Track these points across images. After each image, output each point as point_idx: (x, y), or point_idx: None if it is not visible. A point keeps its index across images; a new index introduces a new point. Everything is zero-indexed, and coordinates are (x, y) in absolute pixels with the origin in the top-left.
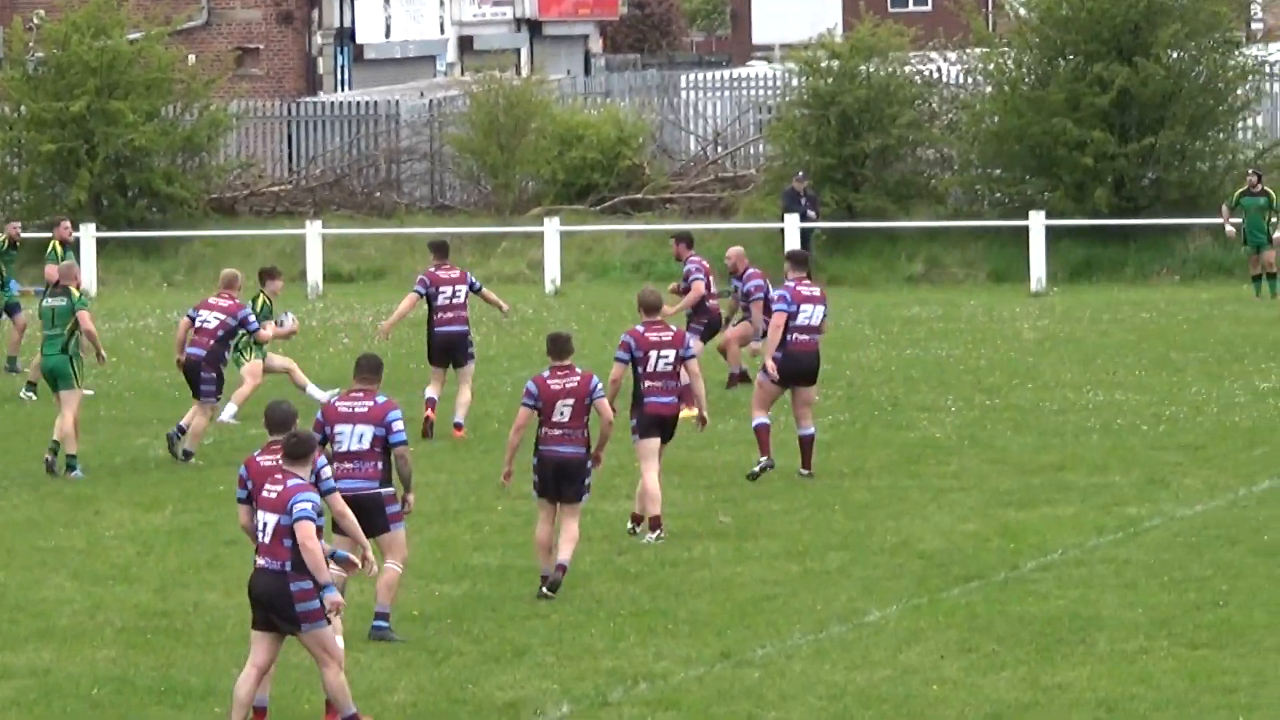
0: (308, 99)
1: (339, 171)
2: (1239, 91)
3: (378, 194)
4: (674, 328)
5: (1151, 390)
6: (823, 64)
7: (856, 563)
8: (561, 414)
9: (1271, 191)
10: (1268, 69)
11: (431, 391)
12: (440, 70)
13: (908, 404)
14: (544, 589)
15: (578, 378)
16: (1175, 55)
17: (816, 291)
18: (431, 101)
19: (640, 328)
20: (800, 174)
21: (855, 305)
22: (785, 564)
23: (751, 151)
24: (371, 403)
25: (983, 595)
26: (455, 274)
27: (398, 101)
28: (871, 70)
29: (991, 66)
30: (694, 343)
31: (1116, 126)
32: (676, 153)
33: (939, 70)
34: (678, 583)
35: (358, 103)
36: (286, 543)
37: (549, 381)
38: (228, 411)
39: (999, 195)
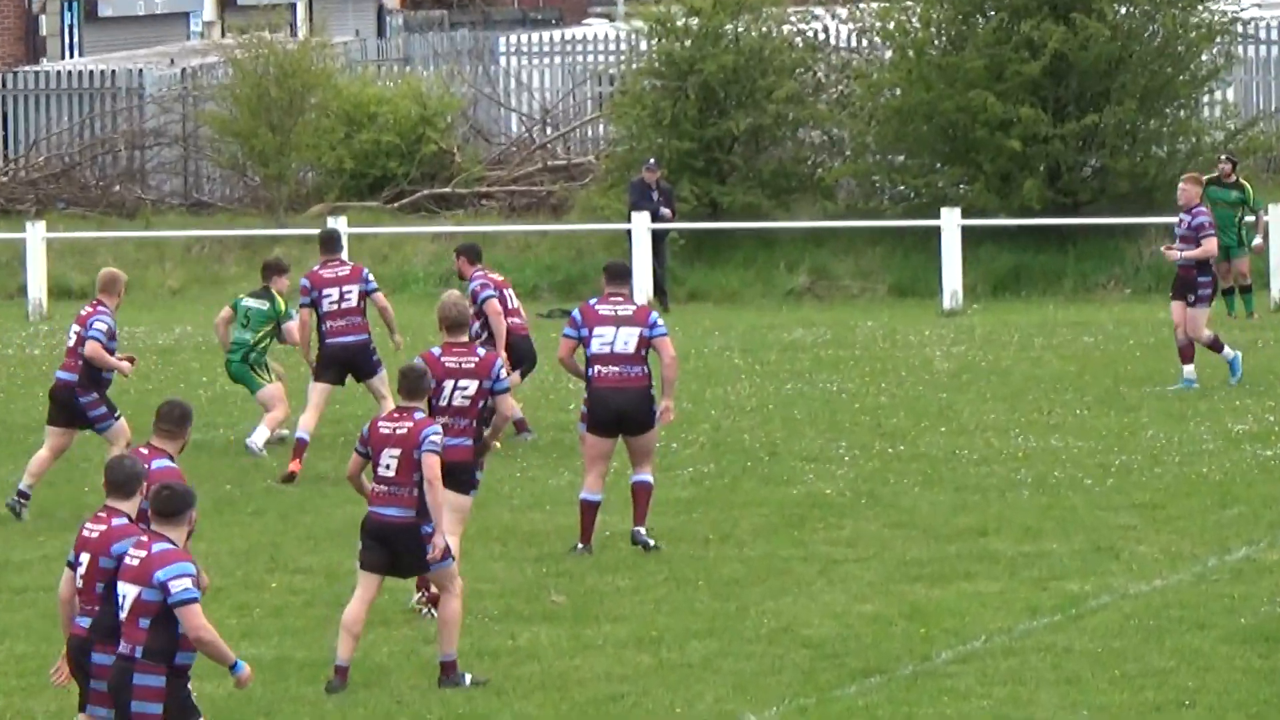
0: (27, 68)
1: (68, 160)
2: (1204, 57)
3: (117, 188)
4: (481, 352)
5: (1097, 434)
6: (679, 23)
7: (726, 653)
8: (387, 466)
9: (1247, 184)
10: (1240, 28)
11: (304, 428)
12: (194, 32)
13: (789, 452)
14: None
15: (410, 424)
16: (1124, 11)
17: (627, 311)
18: (184, 71)
19: (436, 350)
20: (651, 162)
21: (721, 327)
22: (635, 655)
23: (589, 134)
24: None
25: (886, 694)
26: (344, 272)
27: (141, 71)
28: (741, 31)
29: (892, 25)
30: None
31: (1050, 101)
32: (494, 135)
33: (826, 31)
34: (500, 679)
35: (91, 72)
36: None
37: (380, 425)
38: (260, 437)
39: (902, 188)
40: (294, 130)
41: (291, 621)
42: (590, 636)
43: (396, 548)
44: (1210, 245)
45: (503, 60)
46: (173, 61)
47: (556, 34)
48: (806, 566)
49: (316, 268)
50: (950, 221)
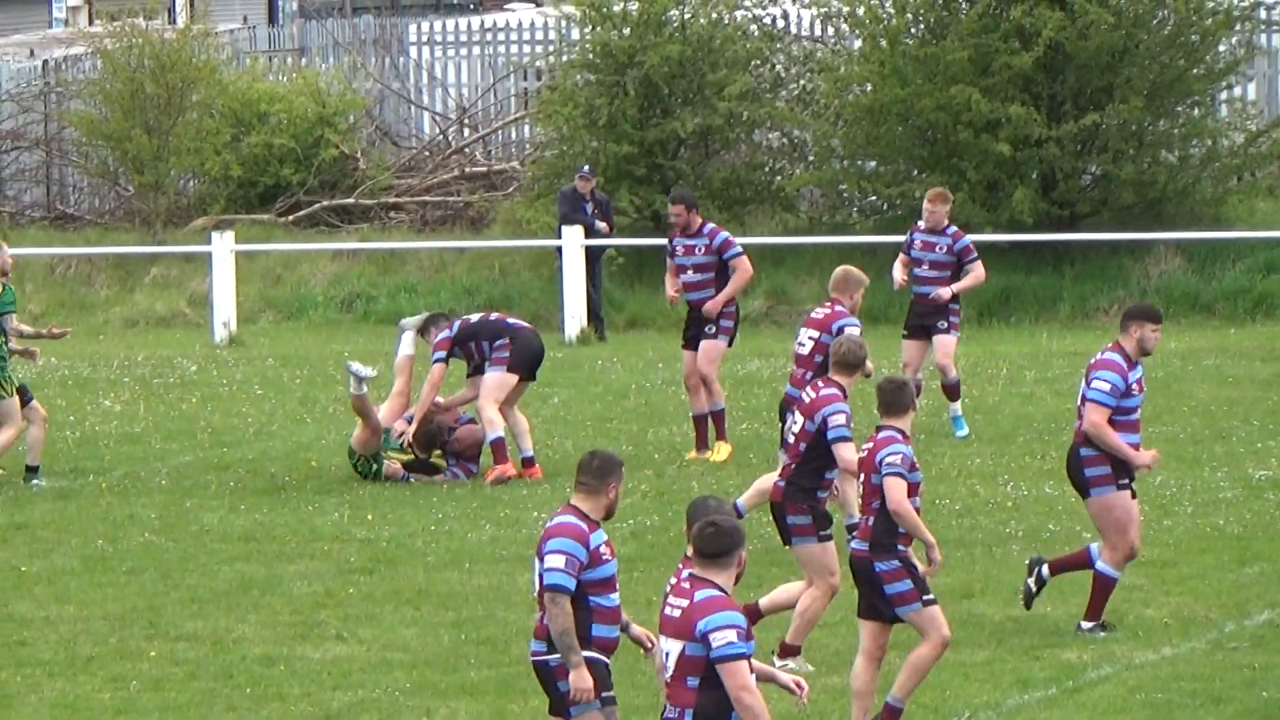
0: None
1: None
2: (1221, 48)
3: None
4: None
5: None
6: (616, 8)
7: None
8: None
9: None
10: (1262, 14)
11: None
12: (57, 17)
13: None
14: None
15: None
16: None
17: None
18: (46, 64)
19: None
20: (585, 169)
21: (666, 359)
22: None
23: (513, 136)
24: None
25: None
26: None
27: None
28: (688, 17)
29: (862, 11)
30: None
31: (1044, 99)
32: (404, 138)
33: (785, 17)
34: None
35: None
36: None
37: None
38: None
39: (874, 199)
40: (173, 132)
41: (174, 696)
42: (516, 713)
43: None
44: (980, 272)
45: (413, 51)
46: (32, 53)
47: (475, 21)
48: (765, 634)
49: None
50: None
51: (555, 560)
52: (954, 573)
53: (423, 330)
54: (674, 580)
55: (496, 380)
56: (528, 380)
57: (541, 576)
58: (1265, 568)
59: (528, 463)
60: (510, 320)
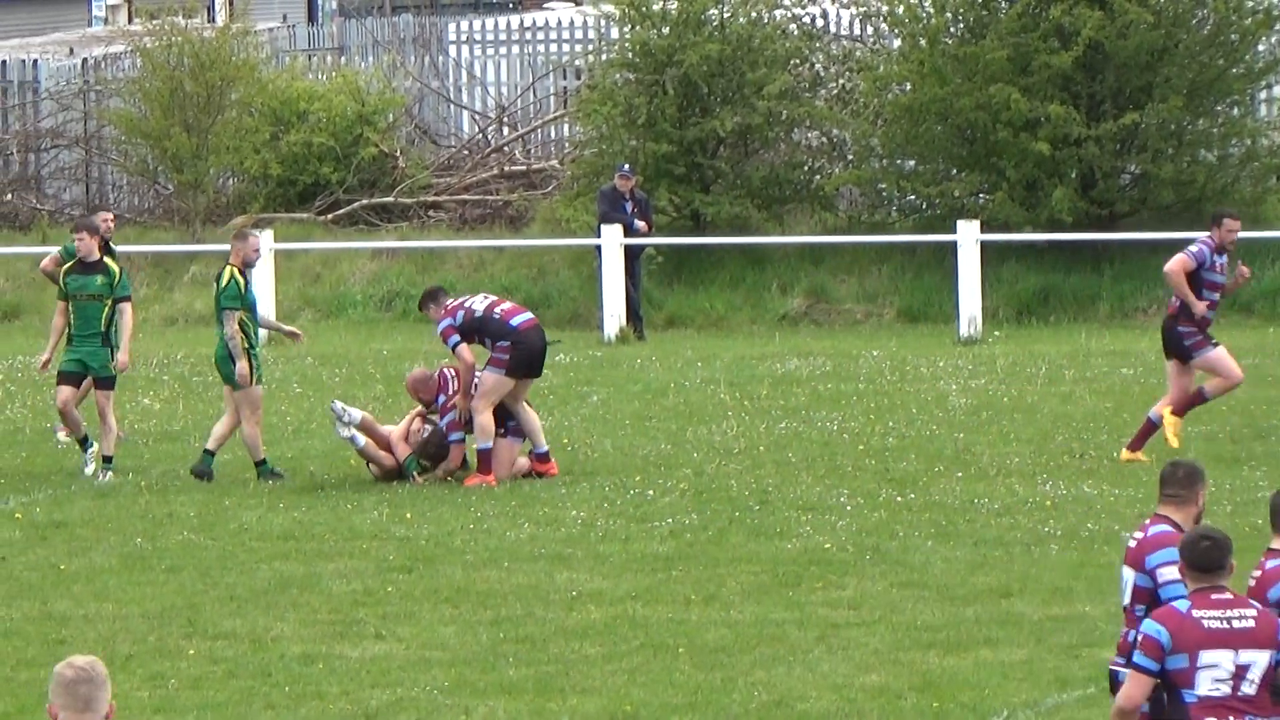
0: None
1: None
2: (1260, 48)
3: (8, 196)
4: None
5: (1135, 481)
6: (655, 6)
7: None
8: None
9: None
10: None
11: None
12: (96, 16)
13: (782, 501)
14: None
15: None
16: None
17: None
18: (85, 62)
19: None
20: (624, 168)
21: (705, 358)
22: None
23: (552, 135)
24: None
25: None
26: None
27: (35, 62)
28: (727, 16)
29: (901, 10)
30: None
31: (1084, 98)
32: (443, 136)
33: (825, 16)
34: None
35: None
36: None
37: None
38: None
39: (913, 198)
40: (212, 131)
41: (212, 694)
42: (555, 711)
43: None
44: None
45: (452, 50)
46: (72, 51)
47: (514, 20)
48: (802, 632)
49: None
50: (968, 236)
51: (1171, 572)
52: (992, 572)
53: (422, 304)
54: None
55: (493, 383)
56: (529, 378)
57: (1161, 588)
58: None
59: (542, 459)
60: (514, 321)
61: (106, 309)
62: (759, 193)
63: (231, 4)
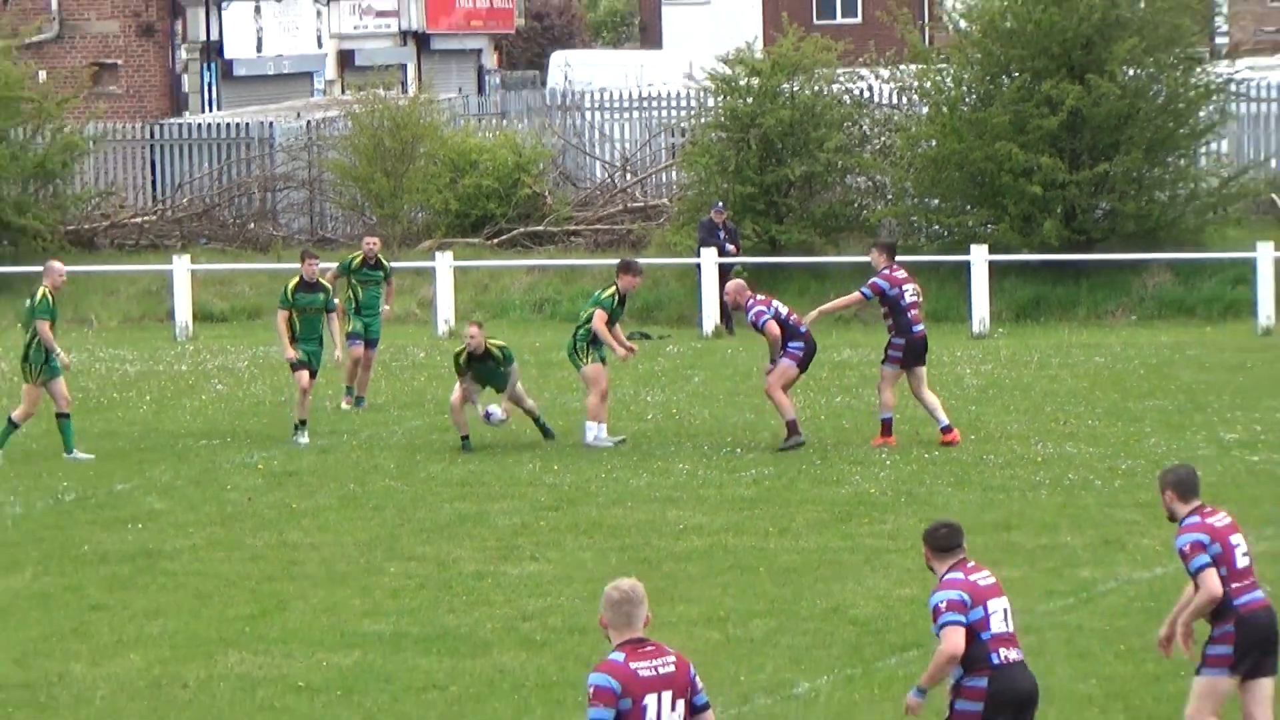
0: (172, 120)
1: (208, 201)
2: (1201, 114)
3: (251, 225)
4: None
5: (1106, 442)
6: (741, 82)
7: (784, 630)
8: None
9: None
10: (1233, 88)
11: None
12: (318, 89)
13: (838, 457)
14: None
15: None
16: (1132, 73)
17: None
18: (309, 123)
19: None
20: (718, 204)
21: None
22: (706, 631)
23: (664, 179)
24: None
25: (921, 665)
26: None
27: (271, 123)
28: (796, 89)
29: (928, 84)
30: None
31: (1067, 151)
32: (581, 180)
33: (870, 89)
34: (588, 651)
35: (227, 124)
36: None
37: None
38: (593, 434)
39: (937, 228)
40: (405, 175)
41: (407, 602)
42: (666, 615)
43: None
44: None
45: (588, 115)
46: (299, 115)
47: (635, 91)
48: (854, 556)
49: (887, 270)
50: (979, 257)
51: None
52: (996, 511)
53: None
54: None
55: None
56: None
57: None
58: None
59: (945, 430)
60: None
61: (324, 319)
62: (820, 223)
63: (420, 79)
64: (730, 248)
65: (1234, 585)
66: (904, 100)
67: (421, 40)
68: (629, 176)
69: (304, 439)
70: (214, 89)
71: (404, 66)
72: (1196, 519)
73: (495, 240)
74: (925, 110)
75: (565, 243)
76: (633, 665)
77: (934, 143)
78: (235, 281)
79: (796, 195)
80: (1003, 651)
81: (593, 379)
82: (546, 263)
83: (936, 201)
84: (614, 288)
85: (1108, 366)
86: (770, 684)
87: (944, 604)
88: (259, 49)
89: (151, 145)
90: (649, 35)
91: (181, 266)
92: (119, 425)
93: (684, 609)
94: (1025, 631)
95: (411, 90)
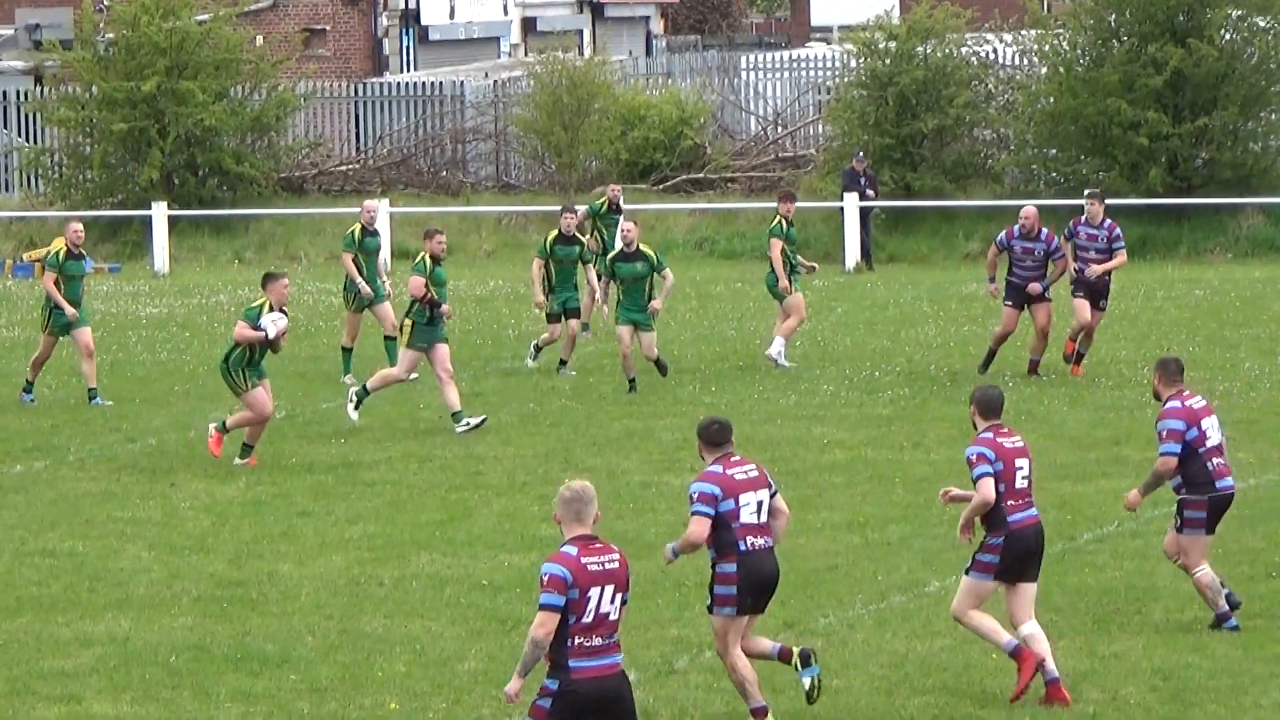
0: (374, 80)
1: (405, 151)
2: None
3: (444, 173)
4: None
5: (1205, 366)
6: (880, 45)
7: (917, 535)
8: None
9: None
10: None
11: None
12: (504, 51)
13: (966, 379)
14: None
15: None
16: (1228, 37)
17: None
18: (496, 82)
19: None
20: (859, 154)
21: (914, 283)
22: (847, 536)
23: (811, 132)
24: None
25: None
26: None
27: (462, 82)
28: (928, 52)
29: (1046, 48)
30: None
31: (1170, 107)
32: (737, 133)
33: (994, 52)
34: None
35: (423, 83)
36: None
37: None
38: (777, 349)
39: (1054, 175)
40: (581, 129)
41: None
42: (812, 521)
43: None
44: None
45: (743, 75)
46: (487, 75)
47: (786, 54)
48: None
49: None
50: None
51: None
52: (1107, 428)
53: None
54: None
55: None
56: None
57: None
58: None
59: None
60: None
61: (580, 269)
62: (950, 171)
63: (595, 43)
64: (870, 193)
65: (1009, 503)
66: (1024, 62)
67: (596, 9)
68: (780, 129)
69: (570, 371)
70: (411, 52)
71: (580, 32)
72: (989, 435)
73: (661, 186)
74: (1044, 71)
75: (723, 188)
76: (583, 560)
77: (1051, 100)
78: (429, 223)
79: (929, 146)
80: (750, 539)
81: (793, 307)
82: (706, 206)
83: (1054, 152)
84: (778, 216)
85: (1206, 299)
86: (905, 582)
87: (699, 494)
88: (452, 16)
89: (355, 102)
90: (798, 5)
91: (382, 209)
92: (324, 350)
93: (827, 515)
94: (1133, 537)
95: (587, 53)
